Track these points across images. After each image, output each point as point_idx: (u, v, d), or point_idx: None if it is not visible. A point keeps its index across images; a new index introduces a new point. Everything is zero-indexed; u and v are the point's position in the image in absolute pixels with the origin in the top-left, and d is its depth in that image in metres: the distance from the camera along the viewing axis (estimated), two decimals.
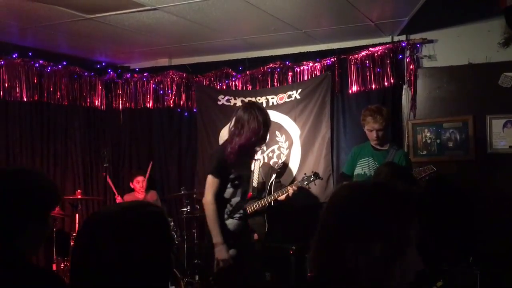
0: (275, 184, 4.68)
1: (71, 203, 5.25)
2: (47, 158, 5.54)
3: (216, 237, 3.23)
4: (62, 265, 5.03)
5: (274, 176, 4.72)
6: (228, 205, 3.34)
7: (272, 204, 4.56)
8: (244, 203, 3.49)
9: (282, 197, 4.50)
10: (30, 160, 5.33)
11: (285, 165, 5.37)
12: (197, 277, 5.11)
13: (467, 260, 4.16)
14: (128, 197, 5.67)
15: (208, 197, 3.25)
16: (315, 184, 4.66)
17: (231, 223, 3.36)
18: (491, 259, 4.25)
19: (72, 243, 4.99)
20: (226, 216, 3.35)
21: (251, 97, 5.51)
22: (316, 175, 4.52)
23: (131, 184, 5.69)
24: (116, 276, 1.19)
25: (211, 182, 3.26)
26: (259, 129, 3.21)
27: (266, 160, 5.40)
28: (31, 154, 5.37)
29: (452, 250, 3.96)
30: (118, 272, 1.19)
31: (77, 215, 5.12)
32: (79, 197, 5.13)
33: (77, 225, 5.10)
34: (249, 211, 4.49)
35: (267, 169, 4.77)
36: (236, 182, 3.32)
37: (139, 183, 5.60)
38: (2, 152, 5.11)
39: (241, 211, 3.44)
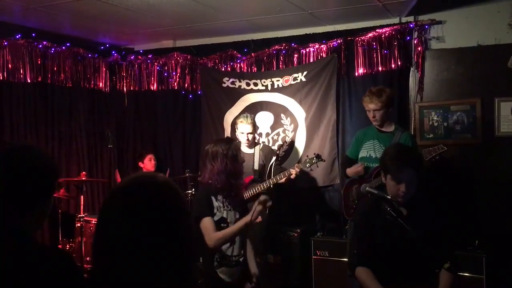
0: (275, 167, 4.64)
1: (76, 185, 5.26)
2: (52, 140, 5.53)
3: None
4: (67, 246, 5.06)
5: (274, 158, 4.68)
6: (217, 252, 2.99)
7: (272, 187, 4.53)
8: (237, 248, 3.05)
9: (283, 179, 4.47)
10: (35, 142, 5.31)
11: (290, 148, 5.34)
12: (201, 259, 5.12)
13: (473, 244, 4.15)
14: None
15: (212, 236, 2.90)
16: (317, 166, 4.63)
17: (224, 271, 3.00)
18: (497, 243, 4.24)
19: (77, 225, 5.01)
20: (216, 263, 2.99)
21: (256, 79, 5.46)
22: (318, 157, 4.49)
23: (140, 163, 5.71)
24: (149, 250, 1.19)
25: (206, 224, 2.93)
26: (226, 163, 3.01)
27: (271, 143, 5.37)
28: (35, 136, 5.36)
29: (458, 233, 3.94)
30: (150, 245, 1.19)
31: (82, 197, 5.12)
32: (83, 179, 5.12)
33: (82, 207, 5.11)
34: (251, 194, 4.47)
35: (267, 151, 4.73)
36: (223, 225, 2.98)
37: (151, 160, 5.67)
38: (6, 134, 5.10)
39: (236, 257, 3.04)
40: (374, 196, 2.63)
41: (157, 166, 5.77)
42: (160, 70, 6.03)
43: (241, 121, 4.61)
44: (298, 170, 4.43)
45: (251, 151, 4.67)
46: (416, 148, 4.08)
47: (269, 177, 4.57)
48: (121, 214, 1.22)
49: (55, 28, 5.40)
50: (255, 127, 4.67)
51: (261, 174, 4.62)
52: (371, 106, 4.00)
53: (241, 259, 3.09)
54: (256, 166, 4.62)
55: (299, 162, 4.94)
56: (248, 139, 4.59)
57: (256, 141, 4.85)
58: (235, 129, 5.49)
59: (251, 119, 4.64)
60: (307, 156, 4.64)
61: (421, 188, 2.57)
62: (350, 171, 4.18)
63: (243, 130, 4.59)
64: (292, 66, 5.35)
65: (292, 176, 4.43)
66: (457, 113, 4.69)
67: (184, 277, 1.24)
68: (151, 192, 1.26)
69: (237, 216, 3.09)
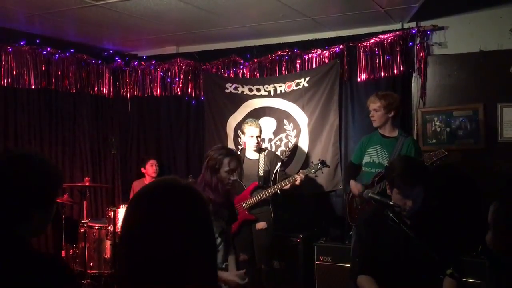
0: (279, 173, 4.65)
1: (80, 191, 5.28)
2: (56, 145, 5.56)
3: None
4: (71, 251, 5.07)
5: (279, 164, 4.69)
6: None
7: (279, 192, 4.55)
8: (221, 257, 3.11)
9: (288, 186, 4.48)
10: (39, 148, 5.34)
11: (292, 154, 5.35)
12: None
13: (476, 250, 4.14)
14: (137, 184, 5.69)
15: None
16: (322, 172, 4.64)
17: None
18: None
19: (80, 230, 5.02)
20: None
21: (259, 85, 5.48)
22: (323, 163, 4.50)
23: (142, 169, 5.71)
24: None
25: None
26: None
27: (274, 148, 5.38)
28: (39, 141, 5.39)
29: (462, 239, 3.94)
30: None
31: (85, 202, 5.14)
32: (87, 184, 5.15)
33: (85, 212, 5.13)
34: (255, 200, 4.48)
35: (272, 157, 4.74)
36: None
37: (152, 166, 5.65)
38: (11, 139, 5.13)
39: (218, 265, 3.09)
40: (376, 202, 2.64)
41: (160, 171, 5.78)
42: (163, 76, 6.06)
43: (250, 125, 4.63)
44: (302, 176, 4.44)
45: (255, 157, 4.68)
46: (420, 153, 4.09)
47: (274, 183, 4.57)
48: (145, 218, 1.23)
49: (59, 35, 5.44)
50: (261, 131, 4.70)
51: (265, 180, 4.63)
52: (371, 105, 4.10)
53: (223, 266, 3.10)
54: (260, 172, 4.63)
55: (303, 168, 4.94)
56: (257, 142, 4.61)
57: (261, 147, 4.86)
58: (238, 134, 5.52)
59: (258, 123, 4.68)
60: (312, 162, 4.65)
61: (426, 196, 2.57)
62: (352, 184, 4.16)
63: (252, 133, 4.61)
64: (295, 72, 5.37)
65: (297, 183, 4.44)
66: (459, 119, 4.69)
67: (206, 280, 1.25)
68: (174, 195, 1.27)
69: (225, 219, 3.14)
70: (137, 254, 1.21)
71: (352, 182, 4.19)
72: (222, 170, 3.02)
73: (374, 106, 4.07)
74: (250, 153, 4.71)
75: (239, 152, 4.81)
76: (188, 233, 1.23)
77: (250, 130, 4.63)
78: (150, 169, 5.64)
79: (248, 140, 4.66)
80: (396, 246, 2.52)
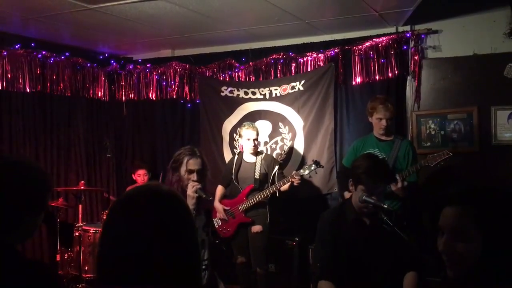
0: (278, 176, 4.65)
1: (75, 194, 5.26)
2: (50, 149, 5.55)
3: None
4: (66, 255, 5.05)
5: (277, 167, 4.69)
6: None
7: (277, 194, 4.54)
8: (208, 252, 3.13)
9: (285, 187, 4.48)
10: (33, 151, 5.34)
11: (288, 157, 5.36)
12: None
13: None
14: None
15: None
16: (316, 173, 4.63)
17: None
18: None
19: (75, 234, 5.00)
20: None
21: (254, 88, 5.49)
22: (317, 163, 4.49)
23: (133, 176, 5.68)
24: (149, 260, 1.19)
25: None
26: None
27: (269, 152, 5.38)
28: (34, 145, 5.38)
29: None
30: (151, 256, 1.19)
31: (80, 206, 5.12)
32: (82, 188, 5.13)
33: (80, 216, 5.11)
34: (252, 202, 4.49)
35: (270, 160, 4.74)
36: None
37: (140, 176, 5.59)
38: (5, 143, 5.12)
39: (206, 261, 3.10)
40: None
41: (155, 176, 5.75)
42: (158, 79, 6.06)
43: (247, 128, 4.63)
44: (298, 177, 4.43)
45: (253, 160, 4.68)
46: (416, 155, 4.09)
47: (272, 185, 4.57)
48: (125, 223, 1.24)
49: (54, 38, 5.43)
50: (258, 134, 4.71)
51: (262, 183, 4.63)
52: (388, 114, 3.93)
53: (209, 262, 3.14)
54: (256, 175, 4.63)
55: (297, 170, 4.94)
56: (254, 145, 4.62)
57: (258, 150, 4.86)
58: (233, 138, 5.52)
59: (256, 126, 4.69)
60: (306, 163, 4.65)
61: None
62: (345, 195, 4.09)
63: (249, 136, 4.61)
64: (290, 75, 5.38)
65: (295, 183, 4.43)
66: (454, 122, 4.71)
67: (190, 284, 1.24)
68: (154, 201, 1.27)
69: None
70: (119, 258, 1.21)
71: (346, 193, 4.14)
72: (181, 170, 3.06)
73: (390, 115, 3.92)
74: (248, 156, 4.71)
75: (236, 156, 4.83)
76: (171, 238, 1.22)
77: (247, 133, 4.62)
78: (139, 179, 5.58)
79: (245, 143, 4.66)
80: (357, 247, 2.53)
